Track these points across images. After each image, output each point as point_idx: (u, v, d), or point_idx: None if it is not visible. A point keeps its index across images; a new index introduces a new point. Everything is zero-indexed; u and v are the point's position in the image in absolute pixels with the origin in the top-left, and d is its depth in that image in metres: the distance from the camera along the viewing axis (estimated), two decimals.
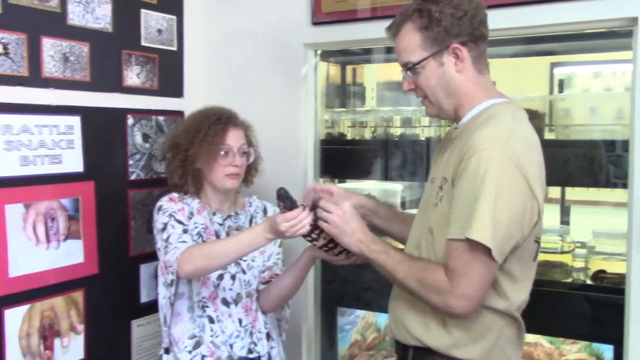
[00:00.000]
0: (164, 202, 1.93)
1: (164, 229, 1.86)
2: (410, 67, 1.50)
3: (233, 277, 1.95)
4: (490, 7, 2.00)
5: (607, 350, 2.17)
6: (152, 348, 2.37)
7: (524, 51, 2.79)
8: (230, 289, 1.94)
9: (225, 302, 1.93)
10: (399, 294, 1.61)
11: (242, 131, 2.00)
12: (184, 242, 1.80)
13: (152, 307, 2.37)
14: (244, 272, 1.97)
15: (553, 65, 3.60)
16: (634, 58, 1.84)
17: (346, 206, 1.59)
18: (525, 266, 1.51)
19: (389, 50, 2.54)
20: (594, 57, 3.11)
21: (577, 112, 2.22)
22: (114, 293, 2.22)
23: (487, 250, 1.35)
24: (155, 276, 2.37)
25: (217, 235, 1.97)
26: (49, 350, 1.99)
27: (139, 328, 2.32)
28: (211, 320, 1.91)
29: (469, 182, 1.38)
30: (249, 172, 2.06)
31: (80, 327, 2.09)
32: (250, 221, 2.06)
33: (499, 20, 1.94)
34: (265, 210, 2.11)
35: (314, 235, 1.68)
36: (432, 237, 1.51)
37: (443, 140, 1.71)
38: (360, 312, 2.65)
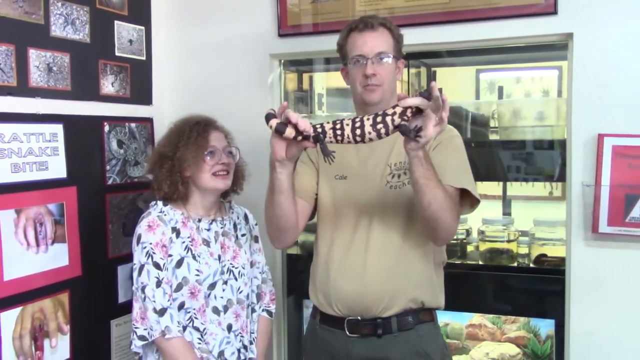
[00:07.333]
0: (142, 230, 1.93)
1: (140, 271, 1.90)
2: (383, 56, 1.79)
3: (225, 283, 2.00)
4: (445, 22, 2.27)
5: (543, 327, 2.47)
6: (129, 347, 2.46)
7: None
8: (222, 297, 1.98)
9: (216, 311, 1.97)
10: (389, 269, 1.79)
11: (222, 134, 2.06)
12: (163, 308, 1.87)
13: (128, 307, 2.46)
14: (235, 279, 2.02)
15: (478, 71, 3.95)
16: (569, 69, 2.13)
17: None
18: None
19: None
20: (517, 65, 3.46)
21: (515, 115, 2.50)
22: (95, 294, 2.30)
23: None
24: (131, 277, 2.47)
25: (207, 243, 2.01)
26: (40, 350, 2.06)
27: (117, 327, 2.40)
28: (198, 331, 1.94)
29: (454, 152, 1.81)
30: (237, 179, 2.09)
31: (66, 328, 2.16)
32: (235, 227, 2.12)
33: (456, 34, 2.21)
34: (246, 217, 2.17)
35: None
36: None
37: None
38: None
